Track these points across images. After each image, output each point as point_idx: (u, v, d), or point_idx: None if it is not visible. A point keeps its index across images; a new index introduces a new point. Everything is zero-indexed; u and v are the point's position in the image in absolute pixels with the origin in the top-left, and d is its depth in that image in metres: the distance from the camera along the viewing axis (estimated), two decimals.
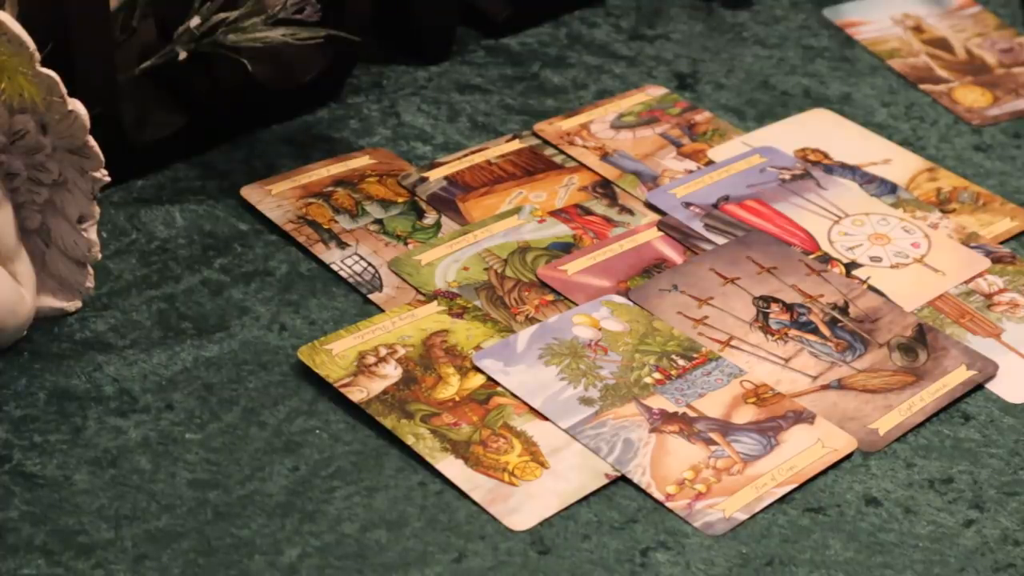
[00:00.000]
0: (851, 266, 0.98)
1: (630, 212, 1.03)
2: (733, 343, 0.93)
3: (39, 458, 0.85)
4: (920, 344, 0.93)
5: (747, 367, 0.91)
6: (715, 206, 1.01)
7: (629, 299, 0.95)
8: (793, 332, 0.94)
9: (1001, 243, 1.02)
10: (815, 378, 0.91)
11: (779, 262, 0.98)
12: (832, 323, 0.94)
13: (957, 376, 0.92)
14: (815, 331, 0.94)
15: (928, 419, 0.90)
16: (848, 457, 0.87)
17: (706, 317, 0.95)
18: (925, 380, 0.91)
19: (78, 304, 0.93)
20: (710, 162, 1.06)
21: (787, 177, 1.04)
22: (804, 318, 0.95)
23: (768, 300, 0.96)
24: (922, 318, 0.95)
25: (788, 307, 0.95)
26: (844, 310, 0.95)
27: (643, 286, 0.97)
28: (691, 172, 1.05)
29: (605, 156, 1.07)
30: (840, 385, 0.91)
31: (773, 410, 0.89)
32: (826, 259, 0.98)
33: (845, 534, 0.83)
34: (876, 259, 0.99)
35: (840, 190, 1.04)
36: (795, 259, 0.99)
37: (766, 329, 0.94)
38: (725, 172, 1.04)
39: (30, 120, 0.88)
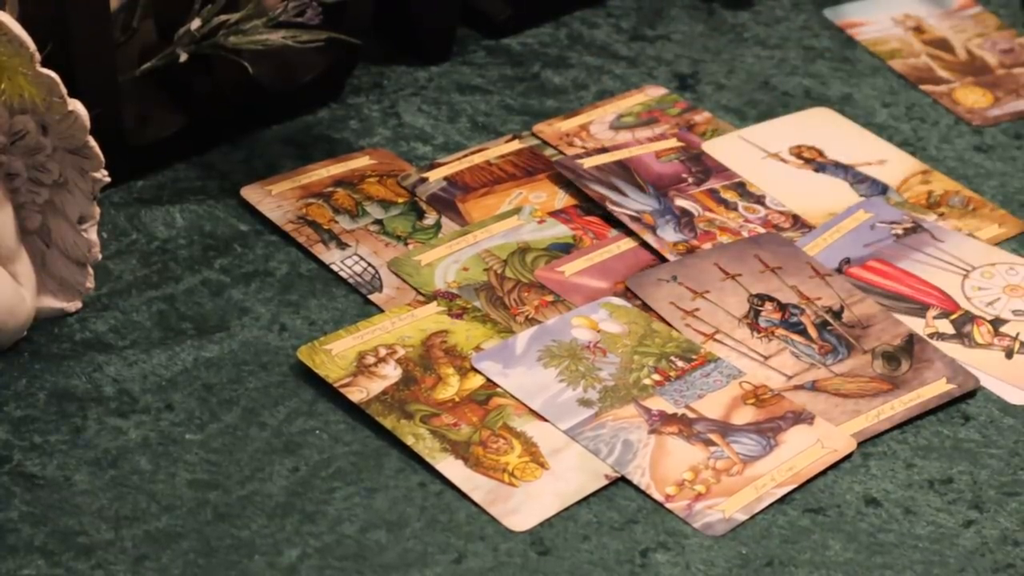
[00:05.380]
0: (997, 323, 0.95)
1: None
2: (717, 337, 0.93)
3: (39, 459, 0.85)
4: (905, 354, 0.93)
5: (727, 361, 0.91)
6: (839, 270, 0.98)
7: (626, 287, 0.96)
8: (780, 331, 0.94)
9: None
10: (790, 378, 0.91)
11: (785, 262, 0.98)
12: (822, 326, 0.94)
13: (935, 388, 0.91)
14: (803, 332, 0.94)
15: (895, 427, 0.89)
16: (848, 457, 0.87)
17: (697, 310, 0.95)
18: (901, 389, 0.91)
19: (78, 304, 0.93)
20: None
21: (900, 232, 1.01)
22: (795, 319, 0.95)
23: (763, 298, 0.96)
24: None
25: (782, 307, 0.95)
26: (838, 314, 0.95)
27: (642, 274, 0.97)
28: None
29: None
30: (814, 387, 0.91)
31: (772, 411, 0.89)
32: (971, 318, 0.95)
33: (845, 534, 0.84)
34: (1020, 313, 0.96)
35: (958, 241, 1.01)
36: (802, 261, 0.98)
37: (753, 326, 0.94)
38: (836, 232, 1.01)
39: (30, 120, 0.88)
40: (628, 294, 0.96)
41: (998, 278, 0.99)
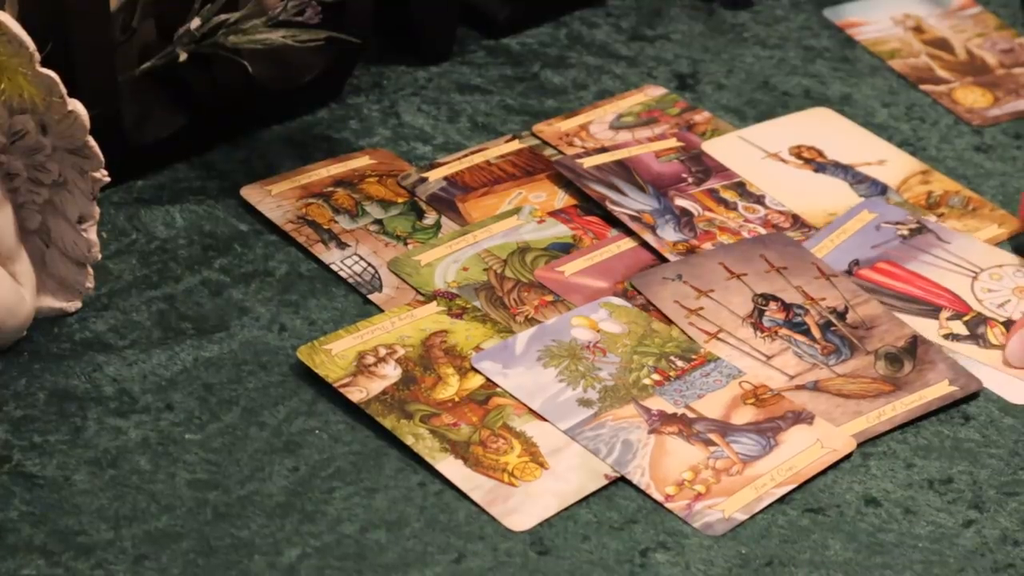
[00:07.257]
0: (1008, 324, 0.95)
1: None
2: (721, 336, 0.93)
3: (39, 458, 0.85)
4: (908, 355, 0.93)
5: (727, 361, 0.91)
6: (849, 272, 0.98)
7: (627, 286, 0.96)
8: (783, 331, 0.94)
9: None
10: (792, 377, 0.91)
11: (791, 263, 0.98)
12: (826, 326, 0.94)
13: (937, 390, 0.91)
14: (806, 332, 0.94)
15: (895, 429, 0.89)
16: (847, 457, 0.87)
17: (701, 308, 0.95)
18: (903, 391, 0.91)
19: (78, 304, 0.93)
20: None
21: (906, 233, 1.01)
22: (799, 319, 0.95)
23: (768, 298, 0.96)
24: None
25: (786, 307, 0.95)
26: (842, 315, 0.95)
27: (647, 272, 0.97)
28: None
29: None
30: (815, 387, 0.91)
31: (772, 411, 0.89)
32: (983, 320, 0.95)
33: (845, 534, 0.84)
34: None
35: (963, 242, 1.01)
36: (808, 262, 0.98)
37: (757, 325, 0.94)
38: (843, 234, 1.01)
39: (30, 120, 0.88)
40: (628, 294, 0.96)
41: (1007, 280, 0.99)
